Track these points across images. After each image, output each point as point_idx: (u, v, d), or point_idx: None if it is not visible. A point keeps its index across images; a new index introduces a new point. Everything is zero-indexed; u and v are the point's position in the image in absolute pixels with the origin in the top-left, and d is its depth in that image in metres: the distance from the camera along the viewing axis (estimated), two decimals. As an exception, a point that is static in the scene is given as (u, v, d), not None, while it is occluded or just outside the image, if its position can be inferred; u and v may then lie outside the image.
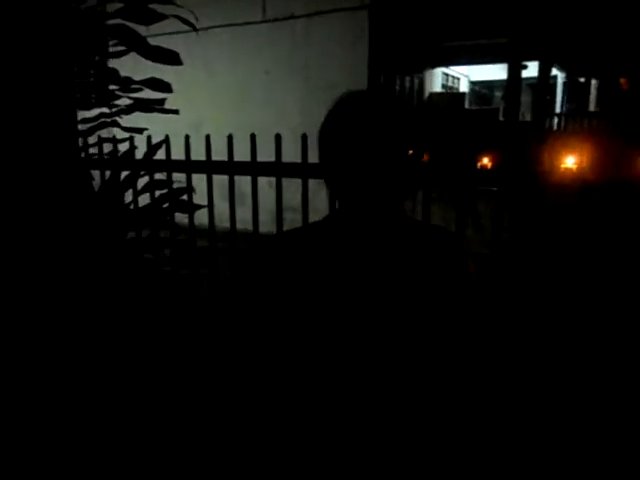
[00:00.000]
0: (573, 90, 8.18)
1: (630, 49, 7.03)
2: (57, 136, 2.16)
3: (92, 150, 2.77)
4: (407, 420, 0.97)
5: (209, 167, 2.53)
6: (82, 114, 2.37)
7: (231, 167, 2.46)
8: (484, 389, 1.02)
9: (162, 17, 2.25)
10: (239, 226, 2.69)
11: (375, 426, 0.97)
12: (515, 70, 6.84)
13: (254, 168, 2.40)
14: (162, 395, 2.19)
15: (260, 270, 1.07)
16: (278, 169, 2.31)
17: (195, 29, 2.40)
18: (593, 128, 7.39)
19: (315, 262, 0.99)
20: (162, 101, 2.34)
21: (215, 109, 6.65)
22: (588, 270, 1.90)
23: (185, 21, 2.34)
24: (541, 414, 1.90)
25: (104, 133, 2.61)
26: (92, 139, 2.63)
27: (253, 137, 2.40)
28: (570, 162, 2.02)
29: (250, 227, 2.63)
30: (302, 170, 2.22)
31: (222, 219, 2.71)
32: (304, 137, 2.14)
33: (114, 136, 2.70)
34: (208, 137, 2.51)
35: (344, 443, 0.97)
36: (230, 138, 2.45)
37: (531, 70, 7.32)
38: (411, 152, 0.96)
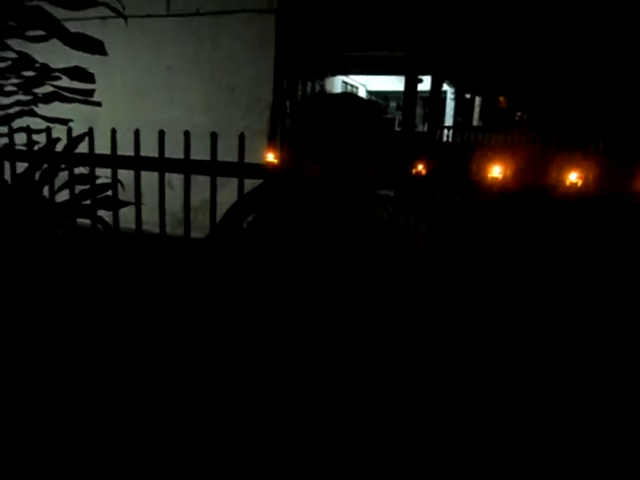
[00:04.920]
0: (460, 105, 8.88)
1: (508, 71, 7.79)
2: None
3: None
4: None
5: (138, 163, 2.43)
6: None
7: (162, 163, 2.39)
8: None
9: (93, 3, 2.15)
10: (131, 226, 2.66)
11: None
12: (411, 82, 7.30)
13: (188, 165, 2.36)
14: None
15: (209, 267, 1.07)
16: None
17: (125, 18, 2.32)
18: (478, 141, 8.10)
19: (265, 256, 1.03)
20: (90, 92, 2.22)
21: (112, 103, 6.29)
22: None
23: (113, 9, 2.25)
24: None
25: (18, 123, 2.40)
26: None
27: (187, 135, 2.37)
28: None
29: (151, 228, 2.62)
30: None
31: (126, 220, 2.65)
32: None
33: (28, 126, 2.49)
34: (137, 132, 2.42)
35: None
36: (162, 134, 2.38)
37: (424, 84, 7.85)
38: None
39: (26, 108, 2.20)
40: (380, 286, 1.01)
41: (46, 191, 2.41)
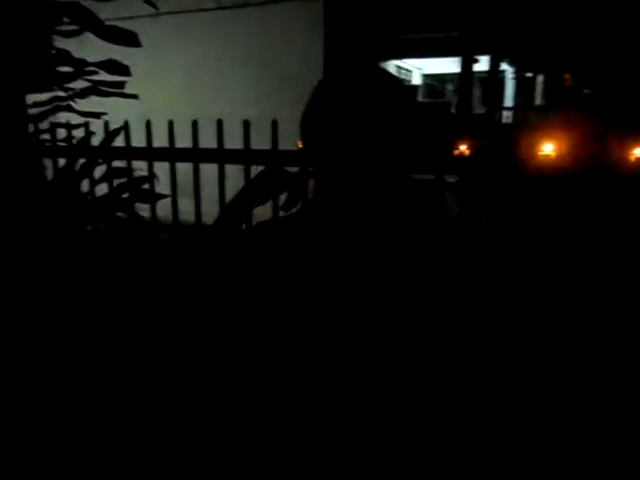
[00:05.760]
0: (521, 85, 8.43)
1: (576, 46, 7.28)
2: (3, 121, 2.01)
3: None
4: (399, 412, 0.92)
5: (172, 154, 2.42)
6: (33, 97, 2.22)
7: (196, 154, 2.36)
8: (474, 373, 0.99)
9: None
10: (186, 218, 2.63)
11: (366, 418, 0.92)
12: (467, 63, 6.98)
13: (221, 155, 2.32)
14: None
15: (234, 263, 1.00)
16: (247, 156, 2.24)
17: (156, 7, 2.29)
18: (540, 121, 7.66)
19: (293, 252, 0.93)
20: (122, 84, 2.21)
21: (165, 98, 6.42)
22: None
23: (148, 2, 2.22)
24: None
25: (58, 118, 2.44)
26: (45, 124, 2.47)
27: (220, 123, 2.32)
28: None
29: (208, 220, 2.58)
30: (272, 156, 2.16)
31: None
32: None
33: (68, 122, 2.53)
34: (171, 123, 2.40)
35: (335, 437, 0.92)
36: (195, 123, 2.35)
37: (482, 65, 7.49)
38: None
39: (63, 104, 2.22)
40: (408, 284, 0.91)
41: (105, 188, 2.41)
